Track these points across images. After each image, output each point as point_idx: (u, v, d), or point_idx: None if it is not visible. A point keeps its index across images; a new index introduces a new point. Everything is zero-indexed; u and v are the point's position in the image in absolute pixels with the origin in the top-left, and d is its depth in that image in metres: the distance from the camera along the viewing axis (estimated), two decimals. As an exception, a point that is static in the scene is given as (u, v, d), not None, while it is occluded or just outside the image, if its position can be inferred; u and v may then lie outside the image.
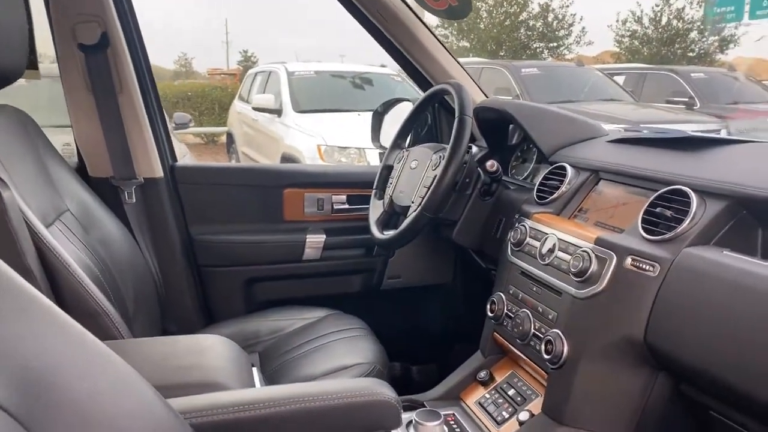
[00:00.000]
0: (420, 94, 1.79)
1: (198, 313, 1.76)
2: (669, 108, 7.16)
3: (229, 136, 7.73)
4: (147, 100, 1.68)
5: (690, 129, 6.10)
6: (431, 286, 2.00)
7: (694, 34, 17.42)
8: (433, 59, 1.74)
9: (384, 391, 0.83)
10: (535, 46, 18.20)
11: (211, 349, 1.04)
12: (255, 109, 6.11)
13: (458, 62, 1.77)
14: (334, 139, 4.95)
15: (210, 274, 1.79)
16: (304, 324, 1.63)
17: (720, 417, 0.94)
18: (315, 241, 1.85)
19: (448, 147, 1.38)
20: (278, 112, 5.73)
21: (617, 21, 18.13)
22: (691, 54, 17.24)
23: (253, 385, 1.08)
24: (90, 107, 1.58)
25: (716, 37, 17.14)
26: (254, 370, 1.17)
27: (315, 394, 0.79)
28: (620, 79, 8.21)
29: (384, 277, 1.93)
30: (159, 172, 1.69)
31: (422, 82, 1.82)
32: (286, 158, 5.30)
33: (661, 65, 11.70)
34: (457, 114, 1.40)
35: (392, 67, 6.81)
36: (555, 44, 18.30)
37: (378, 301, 1.95)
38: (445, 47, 1.75)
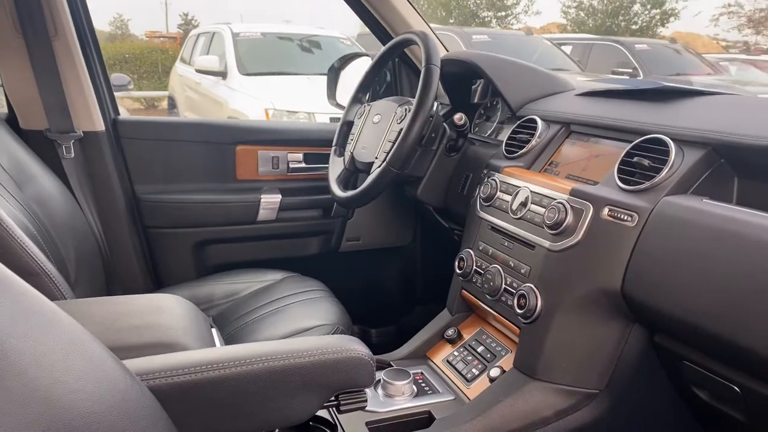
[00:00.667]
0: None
1: (146, 276, 1.65)
2: (614, 79, 7.30)
3: (171, 100, 7.40)
4: (85, 47, 1.55)
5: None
6: (391, 248, 1.96)
7: (637, 7, 17.84)
8: (393, 9, 1.66)
9: (357, 347, 0.77)
10: (483, 14, 18.20)
11: (167, 309, 0.96)
12: (198, 71, 5.85)
13: (419, 14, 1.70)
14: (283, 103, 4.79)
15: (157, 236, 1.68)
16: (261, 287, 1.55)
17: (692, 366, 0.93)
18: (270, 201, 1.76)
19: (416, 97, 1.32)
20: (223, 74, 5.51)
21: (564, -9, 18.34)
22: (634, 26, 17.66)
23: (214, 346, 1.01)
24: (20, 51, 1.43)
25: (658, 11, 17.60)
26: (213, 330, 1.09)
27: (283, 352, 0.72)
28: (567, 49, 8.30)
29: (343, 239, 1.86)
30: (100, 126, 1.56)
31: (381, 32, 1.74)
32: (232, 123, 5.11)
33: (606, 36, 11.91)
34: (424, 63, 1.33)
35: (340, 31, 6.65)
36: (503, 13, 18.36)
37: (336, 264, 1.89)
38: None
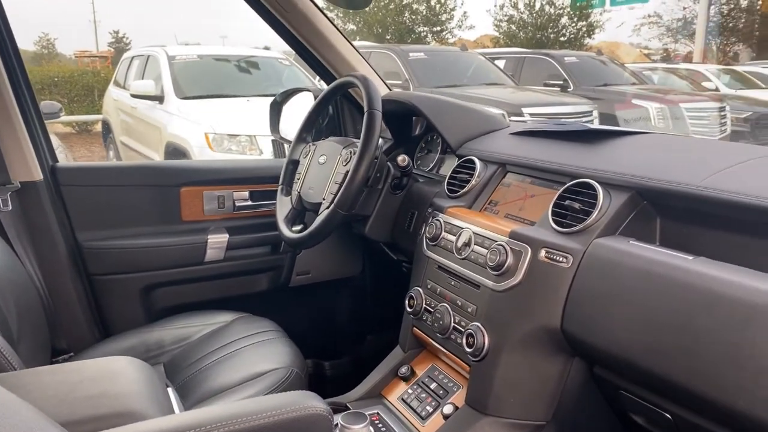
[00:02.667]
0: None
1: (92, 326, 1.62)
2: (546, 90, 7.60)
3: (105, 124, 7.20)
4: (17, 91, 1.51)
5: (566, 110, 6.55)
6: (341, 280, 1.98)
7: (564, 20, 18.61)
8: (336, 51, 1.70)
9: (314, 403, 0.80)
10: (419, 30, 18.55)
11: (121, 374, 0.95)
12: (133, 96, 5.72)
13: (360, 54, 1.74)
14: (223, 127, 4.75)
15: (103, 283, 1.65)
16: (211, 329, 1.55)
17: (629, 395, 1.00)
18: (217, 241, 1.76)
19: (360, 143, 1.36)
20: (160, 98, 5.41)
21: (495, 6, 18.97)
22: (562, 38, 18.42)
23: (172, 410, 1.01)
24: None
25: (584, 23, 18.42)
26: (170, 390, 1.09)
27: (242, 415, 0.74)
28: (501, 63, 8.59)
29: (292, 274, 1.88)
30: (38, 175, 1.53)
31: (324, 73, 1.78)
32: (170, 147, 5.03)
33: (537, 49, 12.37)
34: (366, 108, 1.38)
35: (278, 49, 6.65)
36: (438, 28, 18.76)
37: (287, 299, 1.90)
38: (346, 38, 1.72)
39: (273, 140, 4.46)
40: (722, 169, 0.96)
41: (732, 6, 22.26)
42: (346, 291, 2.02)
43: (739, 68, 13.35)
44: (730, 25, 22.37)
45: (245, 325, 1.54)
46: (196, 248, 1.73)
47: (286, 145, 1.85)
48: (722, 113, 7.92)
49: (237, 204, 1.81)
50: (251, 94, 5.51)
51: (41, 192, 1.53)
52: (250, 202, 1.83)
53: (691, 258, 0.87)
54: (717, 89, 10.60)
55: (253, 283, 1.86)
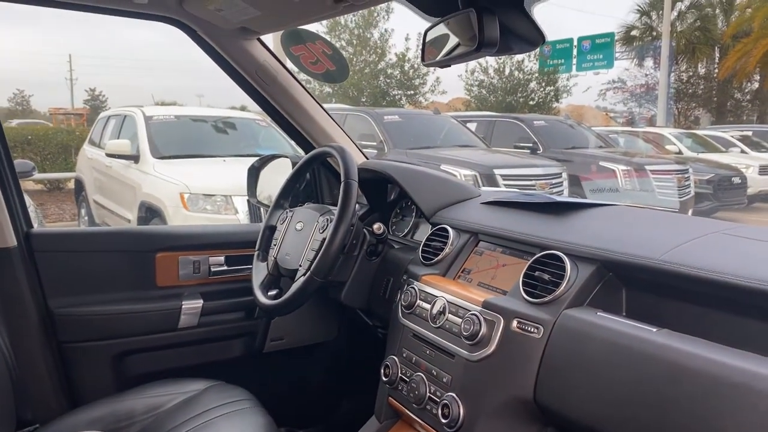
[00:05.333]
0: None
1: (60, 396, 1.58)
2: (517, 153, 7.84)
3: (78, 182, 7.15)
4: None
5: (536, 171, 6.74)
6: (315, 345, 1.97)
7: (533, 84, 19.36)
8: (313, 121, 1.76)
9: None
10: (393, 93, 19.08)
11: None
12: (109, 155, 5.73)
13: (338, 124, 1.80)
14: (198, 187, 4.77)
15: (73, 351, 1.62)
16: (183, 398, 1.52)
17: None
18: (191, 307, 1.75)
19: (336, 212, 1.40)
20: (135, 158, 5.42)
21: (466, 71, 19.61)
22: (531, 102, 19.11)
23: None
24: None
25: (552, 87, 19.19)
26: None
27: None
28: (472, 126, 8.86)
29: (267, 340, 1.87)
30: (11, 241, 1.52)
31: (302, 142, 1.83)
32: (145, 206, 5.01)
33: (507, 113, 12.80)
34: (343, 179, 1.42)
35: (255, 110, 6.76)
36: (412, 92, 19.31)
37: (261, 365, 1.88)
38: (324, 109, 1.78)
39: (248, 200, 4.49)
40: (681, 243, 1.01)
41: (691, 74, 23.50)
42: (321, 356, 2.00)
43: (700, 132, 13.98)
44: (690, 91, 23.54)
45: (218, 394, 1.52)
46: (170, 314, 1.72)
47: (262, 210, 1.88)
48: (686, 175, 8.23)
49: (212, 269, 1.81)
50: (228, 154, 5.57)
51: (14, 258, 1.52)
52: (225, 267, 1.83)
53: (655, 330, 0.91)
54: (680, 152, 11.06)
55: (227, 349, 1.84)
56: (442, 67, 1.25)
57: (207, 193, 4.77)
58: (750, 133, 14.10)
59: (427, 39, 1.22)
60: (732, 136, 13.10)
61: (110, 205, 5.91)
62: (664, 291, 1.00)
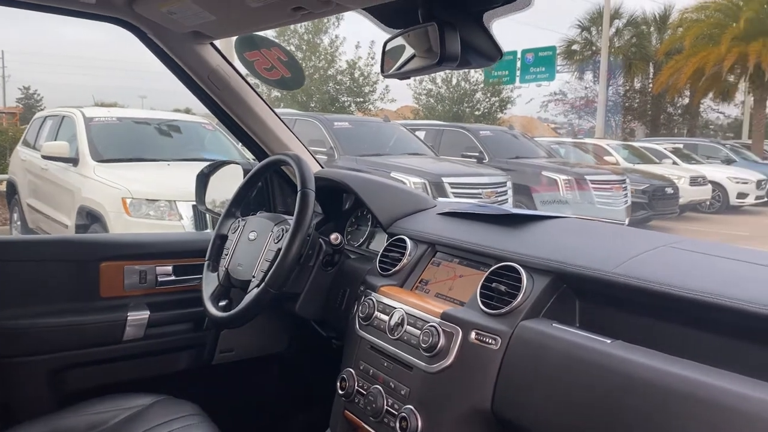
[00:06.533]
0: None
1: None
2: (464, 161, 7.98)
3: (11, 185, 6.79)
4: None
5: (483, 180, 6.88)
6: (266, 356, 1.93)
7: (479, 95, 19.79)
8: (266, 127, 1.73)
9: None
10: (343, 99, 19.05)
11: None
12: (45, 157, 5.47)
13: (293, 132, 1.78)
14: (141, 191, 4.62)
15: (9, 367, 1.53)
16: (128, 414, 1.46)
17: None
18: (137, 318, 1.68)
19: (293, 221, 1.37)
20: (74, 161, 5.20)
21: (415, 80, 19.80)
22: (477, 112, 19.53)
23: None
24: None
25: (497, 98, 19.65)
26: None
27: None
28: (421, 134, 8.97)
29: (216, 352, 1.82)
30: None
31: (255, 148, 1.79)
32: (84, 211, 4.82)
33: (454, 123, 13.00)
34: (299, 188, 1.40)
35: (200, 113, 6.62)
36: (361, 99, 19.35)
37: (210, 378, 1.83)
38: (278, 116, 1.76)
39: (194, 206, 4.37)
40: (633, 256, 1.05)
41: (627, 87, 24.56)
42: (272, 368, 1.97)
43: (635, 144, 14.61)
44: (627, 104, 24.60)
45: (164, 409, 1.47)
46: (114, 326, 1.65)
47: (208, 216, 1.83)
48: (623, 185, 8.58)
49: (159, 279, 1.75)
50: (172, 158, 5.42)
51: None
52: (173, 277, 1.77)
53: (609, 341, 0.93)
54: (618, 163, 11.52)
55: (174, 362, 1.78)
56: (401, 78, 1.25)
57: (150, 198, 4.62)
58: (681, 146, 14.87)
59: (386, 50, 1.22)
60: (665, 148, 13.77)
61: (46, 209, 5.64)
62: (617, 303, 1.03)
